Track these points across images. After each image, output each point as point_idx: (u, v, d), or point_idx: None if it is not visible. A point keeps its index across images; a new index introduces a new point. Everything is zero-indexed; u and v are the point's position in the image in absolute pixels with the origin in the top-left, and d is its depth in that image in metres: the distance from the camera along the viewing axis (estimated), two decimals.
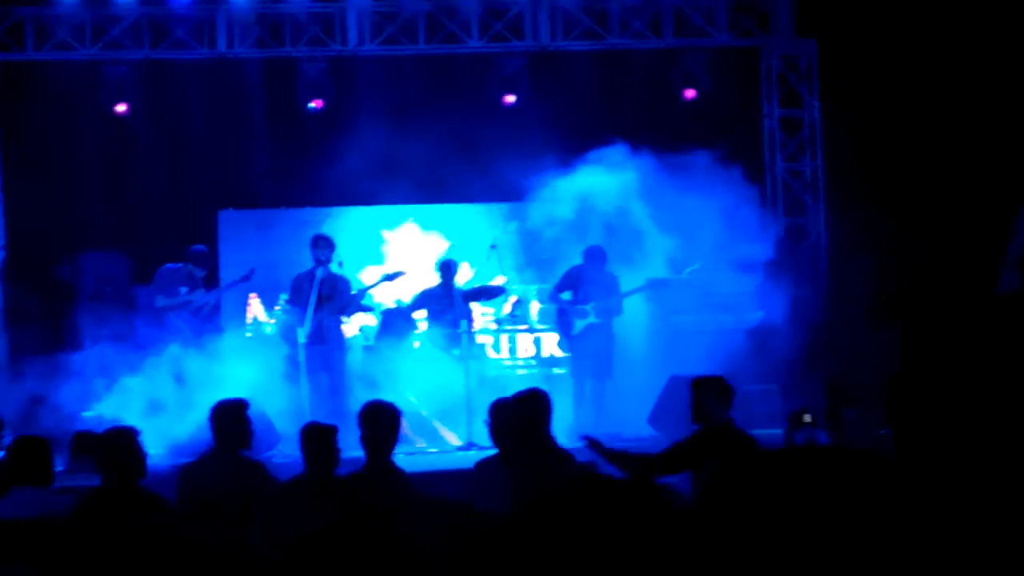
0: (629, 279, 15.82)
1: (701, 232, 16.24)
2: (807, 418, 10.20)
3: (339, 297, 15.17)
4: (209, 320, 16.07)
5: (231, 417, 9.49)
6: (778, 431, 14.44)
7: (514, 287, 17.36)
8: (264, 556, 6.68)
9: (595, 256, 15.56)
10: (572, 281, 15.67)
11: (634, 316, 16.11)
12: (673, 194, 16.11)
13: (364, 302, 16.19)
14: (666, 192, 16.10)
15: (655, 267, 16.06)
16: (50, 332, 15.52)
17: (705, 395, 9.49)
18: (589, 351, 15.49)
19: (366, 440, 8.26)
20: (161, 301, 15.26)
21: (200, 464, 9.51)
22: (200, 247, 15.88)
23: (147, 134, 17.20)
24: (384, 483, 8.05)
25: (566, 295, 15.68)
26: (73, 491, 8.13)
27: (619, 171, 16.11)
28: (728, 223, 16.66)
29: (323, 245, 15.20)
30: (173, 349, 14.91)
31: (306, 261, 15.43)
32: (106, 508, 7.41)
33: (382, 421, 8.32)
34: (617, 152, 16.05)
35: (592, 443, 9.60)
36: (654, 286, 15.82)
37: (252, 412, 12.76)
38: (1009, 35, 16.80)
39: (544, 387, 16.42)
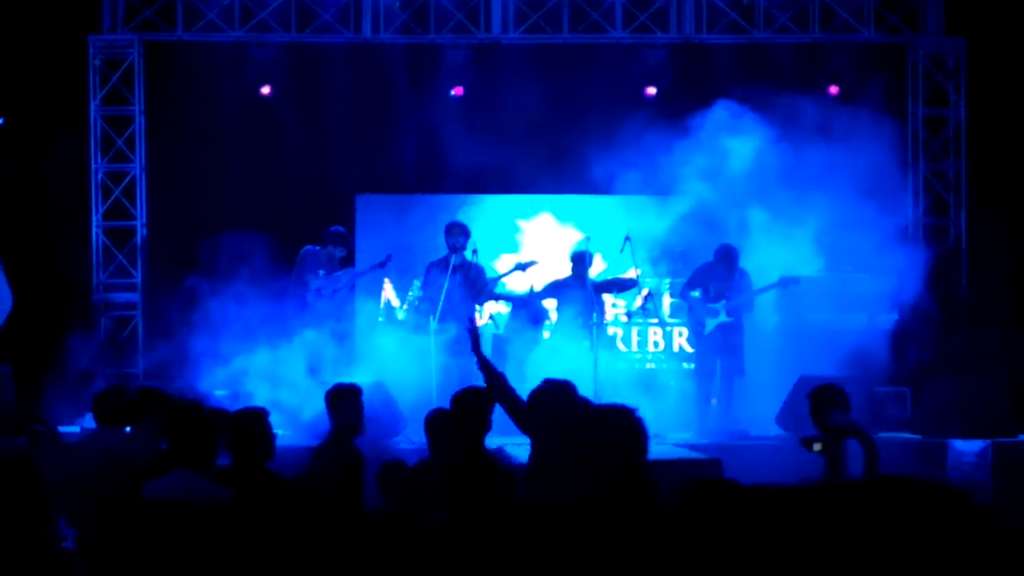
0: (763, 276, 15.72)
1: (840, 229, 16.09)
2: (816, 447, 10.08)
3: (472, 285, 15.27)
4: (346, 302, 16.29)
5: (343, 401, 9.63)
6: (907, 435, 14.33)
7: (647, 280, 17.32)
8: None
9: (726, 254, 15.52)
10: (702, 279, 15.64)
11: (766, 313, 16.02)
12: (812, 188, 16.01)
13: (497, 290, 16.28)
14: (806, 186, 16.00)
15: (790, 264, 15.92)
16: (186, 312, 15.78)
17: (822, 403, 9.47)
18: (720, 349, 15.45)
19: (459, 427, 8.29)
20: (314, 282, 15.52)
21: (320, 448, 9.65)
22: (339, 228, 16.10)
23: (290, 117, 17.41)
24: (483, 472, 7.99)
25: (696, 293, 15.64)
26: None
27: (759, 164, 16.02)
28: (869, 221, 16.52)
29: (457, 232, 15.34)
30: (309, 333, 15.14)
31: (441, 247, 15.57)
32: (235, 489, 7.49)
33: (470, 406, 8.33)
34: (757, 145, 15.96)
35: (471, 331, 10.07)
36: (786, 284, 15.71)
37: (378, 397, 12.99)
38: None
39: (672, 383, 16.52)
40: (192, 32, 17.47)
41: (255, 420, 8.19)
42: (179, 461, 7.53)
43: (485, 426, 8.54)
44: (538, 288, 16.72)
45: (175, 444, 7.68)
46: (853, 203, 16.57)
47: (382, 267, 16.02)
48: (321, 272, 15.76)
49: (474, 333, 10.00)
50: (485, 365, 9.46)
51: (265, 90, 17.54)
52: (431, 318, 14.85)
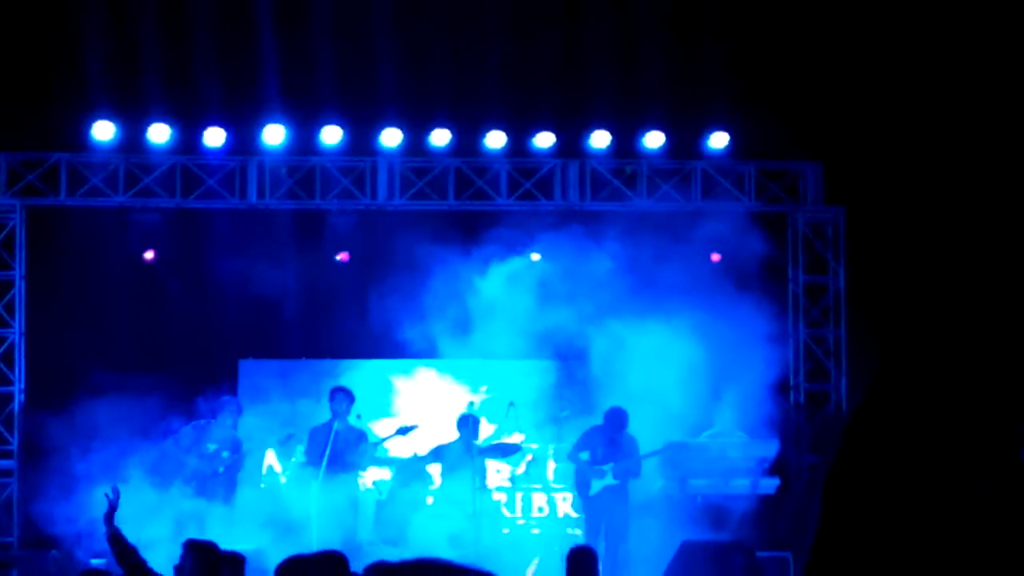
0: (648, 441, 15.75)
1: (724, 394, 16.22)
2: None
3: (353, 451, 15.20)
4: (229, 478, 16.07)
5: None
6: None
7: (530, 445, 17.29)
8: None
9: (615, 417, 15.55)
10: (591, 442, 15.63)
11: (650, 478, 16.02)
12: (696, 353, 16.15)
13: (378, 455, 16.19)
14: (690, 350, 16.13)
15: (674, 430, 15.98)
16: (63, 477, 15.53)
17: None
18: (605, 512, 15.41)
19: None
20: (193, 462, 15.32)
21: None
22: (227, 397, 15.99)
23: (173, 281, 17.33)
24: None
25: (584, 455, 15.63)
26: None
27: (640, 331, 16.15)
28: (749, 386, 16.66)
29: (341, 398, 15.29)
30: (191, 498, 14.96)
31: (324, 412, 15.48)
32: None
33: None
34: (641, 307, 16.10)
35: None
36: (673, 449, 15.72)
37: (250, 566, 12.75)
38: None
39: (556, 548, 16.45)
40: (75, 197, 17.40)
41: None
42: None
43: None
44: (422, 452, 16.64)
45: None
46: (736, 366, 16.72)
47: (287, 443, 15.96)
48: (212, 446, 15.58)
49: (111, 504, 9.72)
50: (116, 538, 9.19)
51: (148, 255, 17.51)
52: (313, 483, 14.70)
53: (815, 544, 2.00)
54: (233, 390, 16.91)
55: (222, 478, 15.58)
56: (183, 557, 9.74)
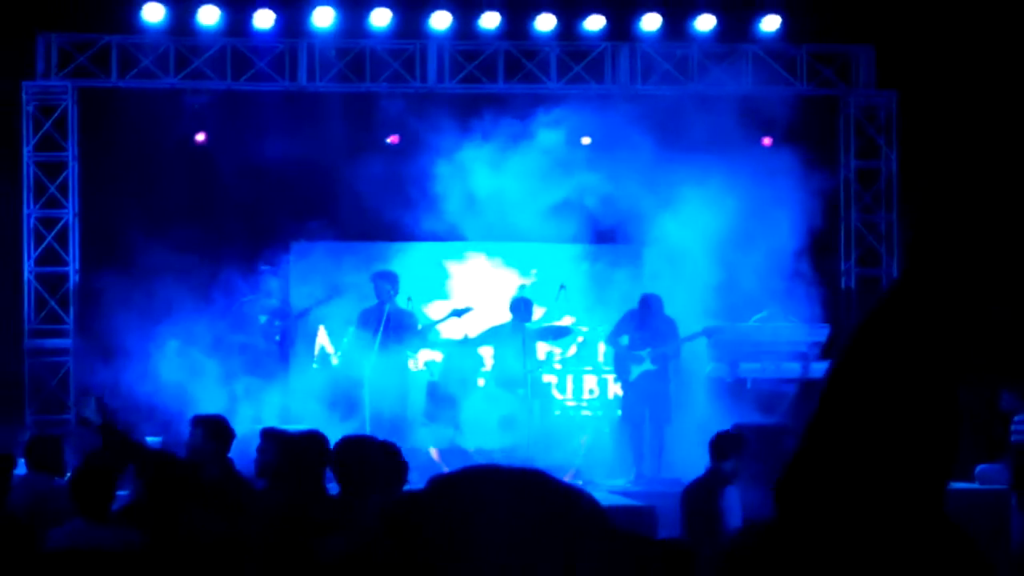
0: (692, 323, 15.77)
1: (774, 278, 16.20)
2: None
3: (405, 332, 15.25)
4: (288, 344, 16.17)
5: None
6: None
7: (581, 328, 17.36)
8: None
9: (651, 303, 15.56)
10: (628, 326, 15.65)
11: (701, 362, 16.04)
12: (747, 237, 16.14)
13: (431, 337, 16.27)
14: (738, 237, 16.13)
15: (725, 315, 15.99)
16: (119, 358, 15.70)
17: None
18: (646, 397, 15.47)
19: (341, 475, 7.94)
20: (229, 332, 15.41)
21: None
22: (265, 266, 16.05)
23: (225, 164, 17.32)
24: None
25: (624, 339, 15.65)
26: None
27: (689, 216, 16.14)
28: (802, 271, 16.66)
29: (388, 280, 15.30)
30: (250, 378, 15.08)
31: (374, 295, 15.53)
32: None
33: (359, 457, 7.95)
34: (687, 197, 16.09)
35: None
36: (712, 333, 15.70)
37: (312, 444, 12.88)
38: None
39: (606, 429, 16.56)
40: (127, 79, 17.42)
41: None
42: (79, 510, 7.52)
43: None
44: (473, 335, 16.72)
45: (74, 492, 7.65)
46: (787, 253, 16.71)
47: (331, 300, 16.00)
48: (263, 317, 15.69)
49: (100, 402, 9.53)
50: (109, 429, 8.92)
51: (200, 137, 17.53)
52: (366, 363, 14.77)
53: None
54: (286, 272, 16.99)
55: (276, 349, 15.68)
56: (260, 446, 9.75)
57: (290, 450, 8.20)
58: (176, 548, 7.15)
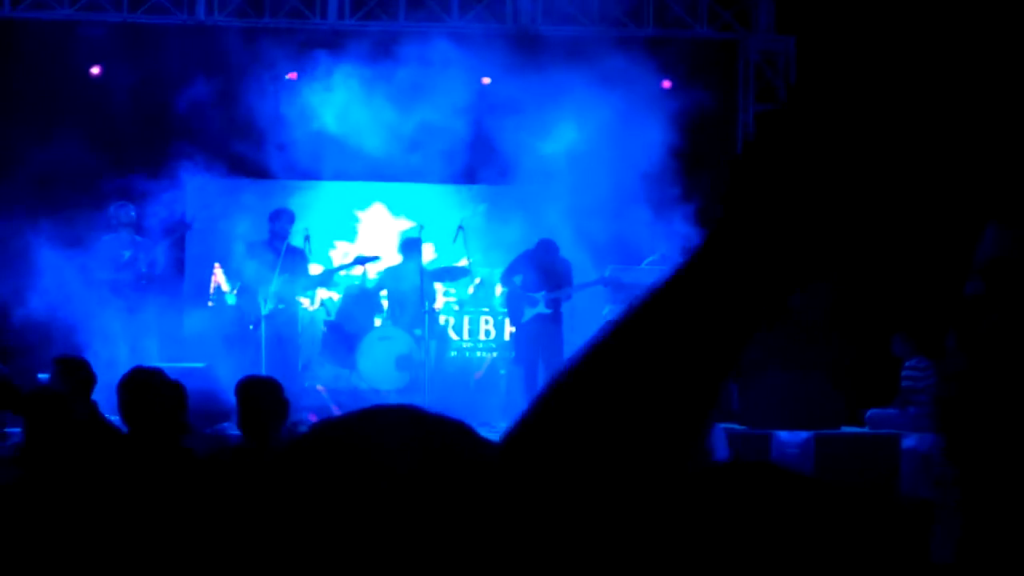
0: (586, 269, 15.81)
1: (672, 221, 16.26)
2: None
3: (298, 271, 15.18)
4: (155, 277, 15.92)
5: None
6: (733, 426, 14.53)
7: (479, 269, 17.39)
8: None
9: (546, 246, 15.58)
10: (523, 267, 15.64)
11: (597, 305, 16.10)
12: (642, 178, 16.20)
13: (331, 279, 16.23)
14: (636, 177, 16.18)
15: (617, 256, 16.04)
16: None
17: None
18: (536, 340, 15.47)
19: (245, 416, 7.85)
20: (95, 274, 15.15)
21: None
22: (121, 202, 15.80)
23: (121, 97, 17.03)
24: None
25: (517, 279, 15.64)
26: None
27: (587, 157, 16.16)
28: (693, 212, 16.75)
29: (284, 219, 15.22)
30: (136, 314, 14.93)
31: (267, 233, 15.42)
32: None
33: (262, 398, 7.92)
34: (590, 135, 16.10)
35: None
36: (607, 282, 15.74)
37: (206, 383, 12.85)
38: (990, 29, 16.81)
39: (503, 370, 16.63)
40: (19, 9, 17.13)
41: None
42: None
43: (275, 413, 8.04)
44: (371, 275, 16.70)
45: None
46: (682, 194, 16.79)
47: (182, 229, 15.83)
48: (127, 253, 15.42)
49: None
50: None
51: (95, 70, 17.28)
52: (260, 302, 14.67)
53: None
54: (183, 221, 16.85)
55: (146, 281, 15.44)
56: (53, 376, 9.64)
57: (150, 395, 8.10)
58: (47, 486, 7.12)
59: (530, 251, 15.67)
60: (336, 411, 15.16)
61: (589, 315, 16.00)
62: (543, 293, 15.43)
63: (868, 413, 15.00)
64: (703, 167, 17.41)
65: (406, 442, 1.89)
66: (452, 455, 1.89)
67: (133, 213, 15.57)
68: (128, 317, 14.88)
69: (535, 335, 15.45)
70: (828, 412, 14.85)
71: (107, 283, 15.02)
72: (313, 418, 14.61)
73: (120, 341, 14.67)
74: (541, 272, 15.49)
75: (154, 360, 14.02)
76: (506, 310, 16.27)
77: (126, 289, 15.10)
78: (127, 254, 15.31)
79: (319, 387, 15.48)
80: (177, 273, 16.69)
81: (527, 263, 15.62)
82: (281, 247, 14.92)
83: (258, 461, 7.61)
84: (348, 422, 1.96)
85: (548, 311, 15.45)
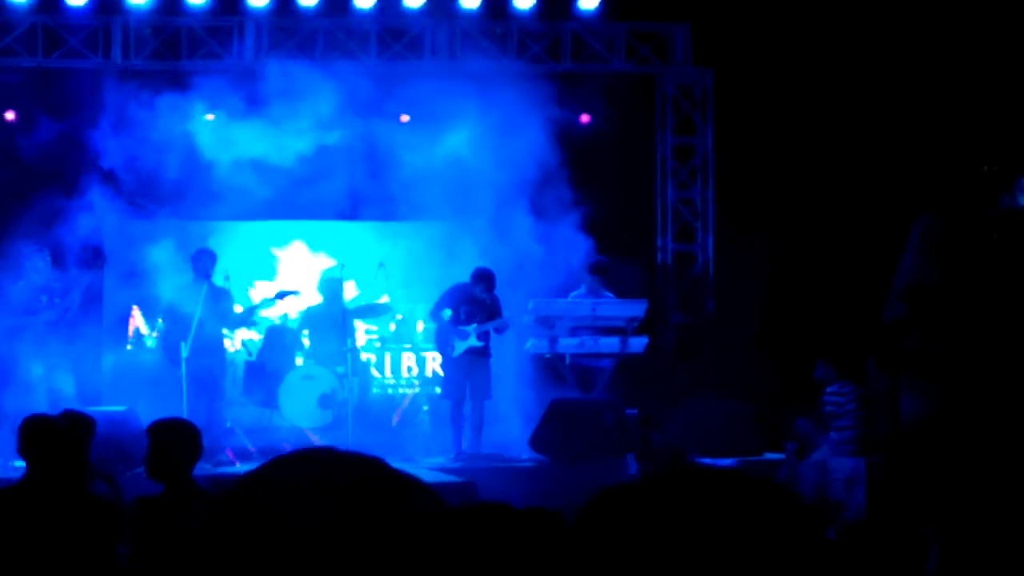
0: (513, 304, 15.78)
1: (592, 254, 16.29)
2: None
3: (222, 310, 15.04)
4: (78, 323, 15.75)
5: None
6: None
7: (400, 306, 17.36)
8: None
9: (482, 277, 15.45)
10: (454, 300, 15.52)
11: (520, 336, 16.10)
12: (565, 214, 16.26)
13: (254, 318, 16.12)
14: (561, 211, 16.25)
15: (541, 292, 16.02)
16: None
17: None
18: (468, 373, 15.38)
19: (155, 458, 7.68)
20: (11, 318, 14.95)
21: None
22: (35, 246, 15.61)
23: (36, 142, 16.75)
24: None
25: (446, 313, 15.52)
26: None
27: (508, 195, 16.22)
28: (620, 247, 16.81)
29: (206, 259, 15.05)
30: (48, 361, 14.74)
31: (189, 274, 15.21)
32: None
33: (173, 440, 7.84)
34: (504, 174, 16.16)
35: None
36: (534, 311, 15.61)
37: (129, 426, 12.75)
38: (902, 65, 17.02)
39: (426, 406, 16.62)
40: None
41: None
42: None
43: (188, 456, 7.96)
44: (292, 315, 16.64)
45: None
46: (606, 229, 16.87)
47: (100, 263, 15.66)
48: (44, 298, 15.20)
49: None
50: None
51: (9, 115, 17.16)
52: (182, 344, 14.53)
53: None
54: (99, 252, 16.67)
55: (66, 324, 15.20)
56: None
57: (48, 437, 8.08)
58: None
59: (462, 284, 15.53)
60: (252, 450, 15.08)
61: (511, 350, 16.04)
62: (474, 326, 15.33)
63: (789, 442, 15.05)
64: (617, 199, 17.54)
65: (323, 484, 1.89)
66: (367, 491, 1.89)
67: (48, 257, 15.34)
68: (46, 360, 14.68)
69: (466, 369, 15.34)
70: (750, 438, 14.96)
71: (23, 328, 14.79)
72: (231, 455, 14.52)
73: (39, 385, 14.50)
74: (473, 304, 15.40)
75: (72, 403, 13.88)
76: (434, 344, 16.12)
77: (42, 332, 14.88)
78: (44, 299, 15.08)
79: (230, 426, 15.38)
80: (94, 310, 16.47)
81: (457, 296, 15.50)
82: (203, 287, 14.75)
83: (168, 504, 7.58)
84: (267, 473, 1.96)
85: (480, 343, 15.33)
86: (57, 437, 9.08)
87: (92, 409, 11.45)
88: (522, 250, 16.19)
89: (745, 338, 16.93)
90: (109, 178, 16.44)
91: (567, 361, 15.45)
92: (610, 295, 15.77)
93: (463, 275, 15.70)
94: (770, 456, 14.72)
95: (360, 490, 1.92)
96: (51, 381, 14.59)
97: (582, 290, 15.80)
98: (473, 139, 16.31)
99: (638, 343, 15.44)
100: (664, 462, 12.11)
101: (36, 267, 15.07)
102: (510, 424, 15.75)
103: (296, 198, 16.40)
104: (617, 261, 16.52)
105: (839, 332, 15.78)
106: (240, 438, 15.33)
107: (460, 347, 15.30)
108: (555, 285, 16.12)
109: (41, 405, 14.22)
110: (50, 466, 8.62)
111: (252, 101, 16.43)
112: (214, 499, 1.98)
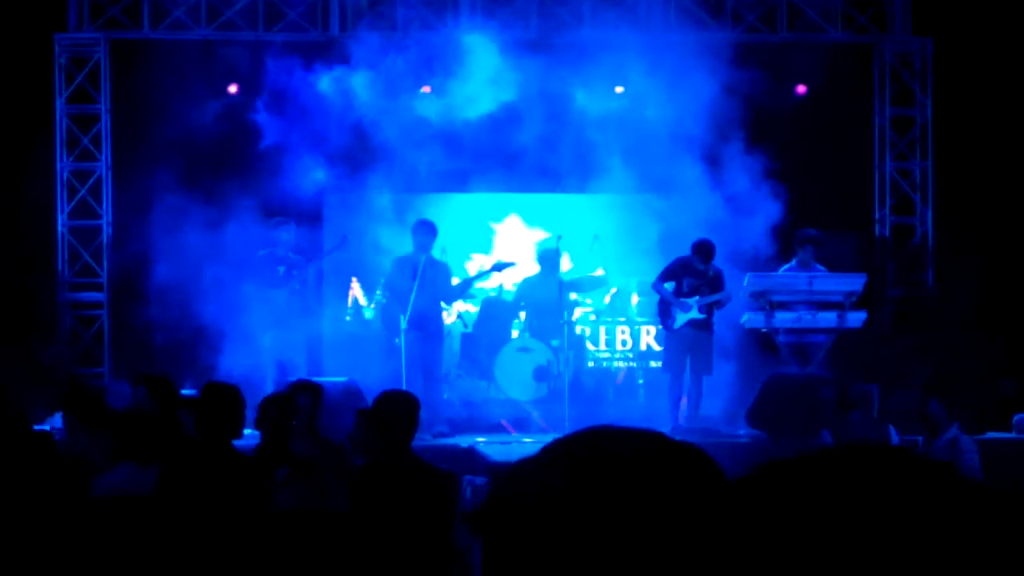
0: (731, 276, 15.63)
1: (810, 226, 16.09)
2: None
3: (440, 284, 15.11)
4: (312, 295, 16.13)
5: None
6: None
7: (614, 279, 17.32)
8: None
9: (702, 250, 15.23)
10: (677, 272, 15.32)
11: (737, 310, 15.95)
12: (782, 185, 16.11)
13: (472, 290, 16.23)
14: (775, 184, 16.10)
15: (754, 265, 15.86)
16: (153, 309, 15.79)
17: None
18: (689, 346, 15.24)
19: (380, 429, 7.99)
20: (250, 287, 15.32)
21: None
22: (280, 218, 15.93)
23: (259, 115, 16.98)
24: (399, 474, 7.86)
25: (669, 285, 15.33)
26: None
27: (726, 166, 16.10)
28: (837, 219, 16.61)
29: (425, 231, 15.09)
30: (279, 330, 15.07)
31: (408, 245, 15.33)
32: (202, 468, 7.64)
33: (397, 411, 8.04)
34: (728, 147, 16.05)
35: None
36: (751, 284, 15.44)
37: (350, 396, 12.96)
38: None
39: (640, 380, 16.57)
40: (159, 30, 17.38)
41: (222, 396, 8.18)
42: (125, 455, 7.69)
43: (409, 429, 8.14)
44: (507, 287, 16.71)
45: (119, 439, 7.85)
46: (822, 201, 16.66)
47: (341, 247, 15.93)
48: (281, 269, 15.56)
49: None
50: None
51: (232, 88, 17.49)
52: (401, 316, 14.68)
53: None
54: (319, 222, 17.00)
55: (299, 300, 15.59)
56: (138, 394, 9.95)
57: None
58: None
59: (684, 257, 15.30)
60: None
61: (726, 324, 15.89)
62: (696, 298, 15.16)
63: (1016, 417, 14.73)
64: (834, 172, 17.30)
65: (618, 461, 1.91)
66: (662, 465, 1.91)
67: (292, 230, 15.74)
68: (277, 331, 15.04)
69: (687, 342, 15.19)
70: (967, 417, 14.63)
71: (260, 299, 15.18)
72: (448, 427, 14.65)
73: (268, 354, 14.88)
74: (695, 277, 15.21)
75: (301, 373, 14.17)
76: (656, 314, 15.91)
77: (277, 303, 15.24)
78: (281, 270, 15.45)
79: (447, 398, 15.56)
80: (316, 286, 16.82)
81: (680, 268, 15.30)
82: (421, 259, 14.85)
83: (388, 475, 7.80)
84: (557, 451, 1.97)
85: (701, 316, 15.16)
86: (290, 412, 9.37)
87: (317, 380, 11.65)
88: (732, 224, 16.05)
89: (967, 312, 16.59)
90: (328, 149, 16.65)
91: (781, 337, 15.25)
92: (822, 268, 15.51)
93: (677, 248, 15.58)
94: (992, 435, 14.38)
95: (655, 464, 1.95)
96: (280, 352, 14.92)
97: (793, 263, 15.57)
98: (686, 110, 16.19)
99: (856, 318, 15.17)
100: (860, 440, 11.90)
101: (280, 239, 15.45)
102: (727, 399, 15.65)
103: (511, 171, 16.48)
104: (834, 234, 16.31)
105: None
106: (457, 410, 15.47)
107: (682, 319, 15.12)
108: (767, 257, 16.00)
109: (270, 374, 14.61)
110: (283, 438, 8.95)
111: (466, 74, 16.48)
112: (500, 480, 2.01)
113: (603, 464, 1.89)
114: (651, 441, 1.95)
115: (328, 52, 17.36)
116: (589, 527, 1.84)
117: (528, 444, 13.72)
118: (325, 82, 16.62)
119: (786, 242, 15.90)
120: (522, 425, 15.49)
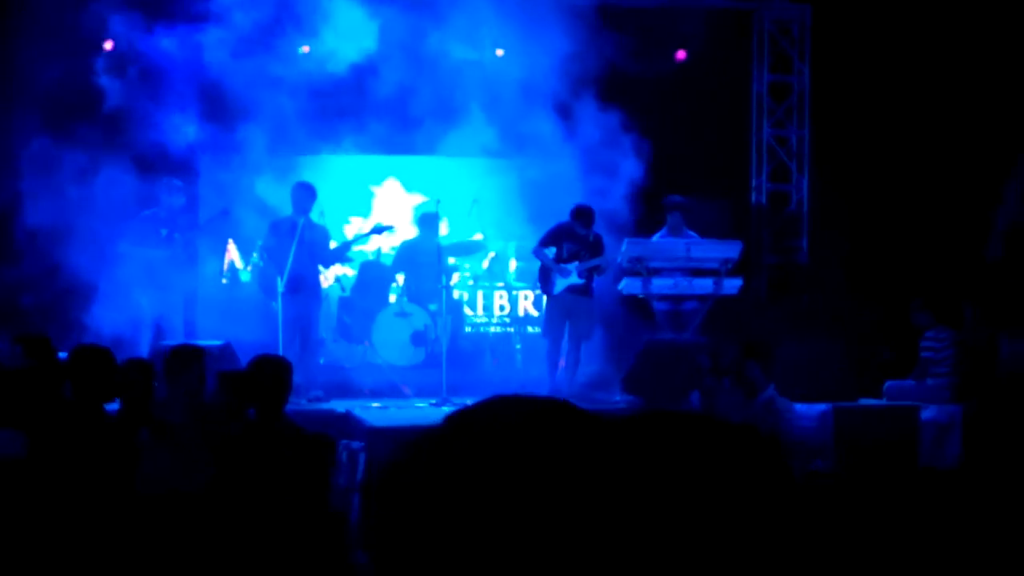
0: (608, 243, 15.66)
1: (684, 193, 16.16)
2: None
3: (318, 247, 14.97)
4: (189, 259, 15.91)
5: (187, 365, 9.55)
6: None
7: (493, 243, 17.30)
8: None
9: (582, 215, 15.19)
10: (557, 237, 15.29)
11: (609, 278, 15.99)
12: (657, 152, 16.14)
13: (349, 253, 16.11)
14: (651, 150, 16.13)
15: (630, 231, 15.91)
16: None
17: None
18: (568, 311, 15.22)
19: (253, 393, 8.14)
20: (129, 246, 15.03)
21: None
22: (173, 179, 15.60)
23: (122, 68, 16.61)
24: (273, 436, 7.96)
25: (550, 251, 15.30)
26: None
27: (601, 130, 16.09)
28: (713, 186, 16.68)
29: (304, 193, 14.93)
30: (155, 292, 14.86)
31: (286, 208, 15.17)
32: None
33: (269, 375, 8.16)
34: (608, 116, 16.05)
35: None
36: (625, 253, 15.47)
37: (226, 360, 12.82)
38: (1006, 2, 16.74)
39: (518, 346, 16.58)
40: None
41: (92, 358, 8.21)
42: None
43: (282, 393, 8.23)
44: (386, 250, 16.63)
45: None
46: (699, 167, 16.73)
47: (221, 220, 15.68)
48: (164, 231, 15.28)
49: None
50: None
51: (108, 45, 17.15)
52: (278, 279, 14.52)
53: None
54: (195, 183, 16.74)
55: (182, 261, 15.30)
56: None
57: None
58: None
59: (565, 222, 15.23)
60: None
61: (603, 290, 15.91)
62: (575, 264, 15.12)
63: (886, 384, 14.90)
64: (711, 138, 17.39)
65: (529, 429, 1.93)
66: (569, 433, 1.93)
67: (182, 194, 15.40)
68: (154, 293, 14.77)
69: (566, 308, 15.16)
70: (845, 383, 14.79)
71: (140, 259, 14.86)
72: (322, 392, 14.55)
73: (146, 315, 14.65)
74: (575, 242, 15.15)
75: (178, 335, 14.02)
76: (531, 284, 15.91)
77: (156, 265, 14.93)
78: (164, 232, 15.12)
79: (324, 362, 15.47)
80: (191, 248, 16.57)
81: (560, 234, 15.24)
82: (300, 222, 14.69)
83: (260, 437, 7.88)
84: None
85: (580, 281, 15.12)
86: (151, 376, 9.34)
87: (193, 343, 11.52)
88: (609, 189, 16.06)
89: (840, 280, 16.79)
90: (207, 106, 16.38)
91: (657, 303, 15.32)
92: (693, 234, 15.59)
93: (556, 213, 15.55)
94: (865, 402, 14.57)
95: (563, 431, 1.99)
96: (158, 313, 14.70)
97: (664, 230, 15.63)
98: (566, 76, 16.16)
99: (732, 284, 15.28)
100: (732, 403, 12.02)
101: (169, 201, 15.14)
102: (603, 364, 15.70)
103: (390, 134, 16.35)
104: (710, 200, 16.41)
105: (936, 274, 15.61)
106: (332, 374, 15.38)
107: (561, 284, 15.06)
108: (643, 224, 16.05)
109: (146, 335, 14.42)
110: (144, 401, 8.91)
111: (347, 34, 16.28)
112: (406, 448, 2.03)
113: (509, 433, 1.90)
114: (558, 410, 1.96)
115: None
116: (495, 497, 1.85)
117: (403, 411, 13.62)
118: (186, 38, 16.24)
119: (657, 207, 15.96)
120: (393, 392, 15.38)
